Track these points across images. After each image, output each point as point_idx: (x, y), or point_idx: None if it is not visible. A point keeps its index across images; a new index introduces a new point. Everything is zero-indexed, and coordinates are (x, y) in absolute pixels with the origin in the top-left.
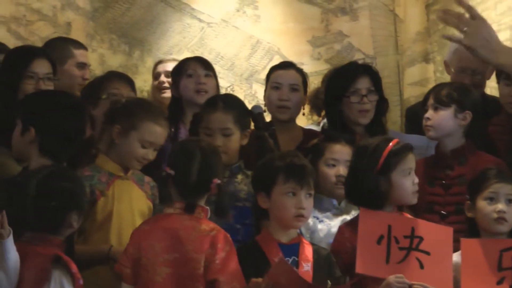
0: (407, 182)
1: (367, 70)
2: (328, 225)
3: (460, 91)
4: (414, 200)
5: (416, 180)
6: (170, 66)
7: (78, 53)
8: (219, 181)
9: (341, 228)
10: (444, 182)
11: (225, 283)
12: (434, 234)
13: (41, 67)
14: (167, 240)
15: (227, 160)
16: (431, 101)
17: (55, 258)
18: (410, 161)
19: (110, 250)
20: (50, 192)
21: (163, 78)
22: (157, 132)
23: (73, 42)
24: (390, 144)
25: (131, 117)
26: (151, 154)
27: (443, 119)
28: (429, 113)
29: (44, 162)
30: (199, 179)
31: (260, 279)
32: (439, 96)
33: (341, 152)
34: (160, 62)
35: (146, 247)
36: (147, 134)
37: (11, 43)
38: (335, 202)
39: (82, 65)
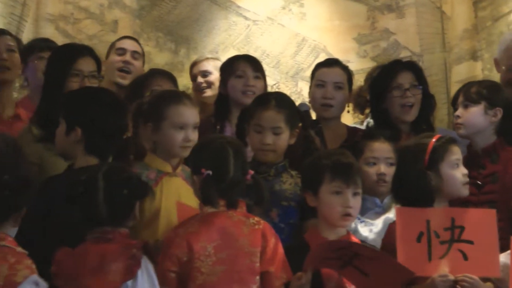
0: (457, 173)
1: (410, 66)
2: (371, 225)
3: (490, 88)
4: (465, 192)
5: (465, 171)
6: (205, 66)
7: (118, 42)
8: (253, 172)
9: (391, 226)
10: (477, 181)
11: (275, 274)
12: (476, 220)
13: (86, 65)
14: (218, 239)
15: (274, 158)
16: (461, 99)
17: (143, 245)
18: (457, 153)
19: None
20: (121, 181)
21: (200, 79)
22: (184, 111)
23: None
24: (433, 138)
25: (156, 110)
26: (191, 135)
27: (473, 116)
28: (459, 111)
29: (90, 161)
30: (235, 174)
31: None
32: (469, 93)
33: (381, 149)
34: (194, 63)
35: (198, 249)
36: (176, 117)
37: (59, 41)
38: (377, 200)
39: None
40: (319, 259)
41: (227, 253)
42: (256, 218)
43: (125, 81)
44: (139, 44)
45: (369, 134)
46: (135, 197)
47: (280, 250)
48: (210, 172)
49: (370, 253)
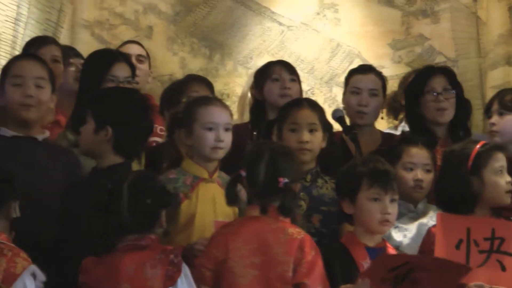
0: (500, 180)
1: (443, 70)
2: (404, 230)
3: None
4: (507, 200)
5: (509, 179)
6: None
7: (122, 49)
8: (286, 180)
9: (430, 231)
10: None
11: (309, 287)
12: None
13: (121, 70)
14: (254, 242)
15: (311, 158)
16: (495, 106)
17: (183, 250)
18: (501, 159)
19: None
20: (145, 190)
21: None
22: (214, 111)
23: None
24: (478, 144)
25: (187, 115)
26: (222, 135)
27: (509, 124)
28: (494, 119)
29: (117, 160)
30: (266, 179)
31: (349, 285)
32: (504, 101)
33: (419, 155)
34: None
35: (233, 249)
36: (205, 117)
37: (95, 46)
38: (411, 206)
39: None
40: (376, 278)
41: (260, 259)
42: (298, 229)
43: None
44: (143, 46)
45: (407, 139)
46: (159, 206)
47: (320, 263)
48: (244, 173)
49: (429, 262)
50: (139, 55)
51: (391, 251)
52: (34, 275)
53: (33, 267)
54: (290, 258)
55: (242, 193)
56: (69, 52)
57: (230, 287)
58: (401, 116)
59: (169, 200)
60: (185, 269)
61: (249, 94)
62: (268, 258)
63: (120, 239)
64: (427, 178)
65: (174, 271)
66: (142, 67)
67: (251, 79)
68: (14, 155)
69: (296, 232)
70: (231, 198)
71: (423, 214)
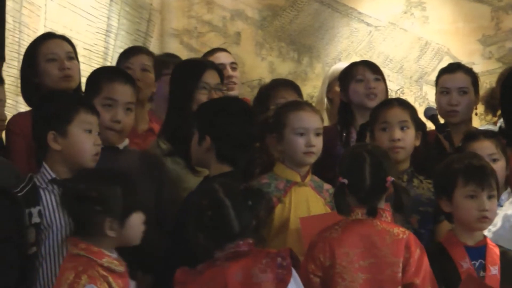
0: None
1: None
2: None
3: None
4: None
5: None
6: None
7: (212, 58)
8: (393, 179)
9: None
10: None
11: (419, 286)
12: None
13: (212, 77)
14: (361, 246)
15: (404, 156)
16: None
17: (290, 252)
18: None
19: None
20: (242, 194)
21: None
22: (304, 116)
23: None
24: None
25: (277, 120)
26: (314, 140)
27: None
28: None
29: (223, 169)
30: (373, 181)
31: None
32: None
33: (482, 148)
34: None
35: (340, 254)
36: (296, 122)
37: (184, 55)
38: None
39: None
40: None
41: (369, 262)
42: (401, 229)
43: (235, 93)
44: (230, 53)
45: (469, 136)
46: (259, 207)
47: (426, 261)
48: (346, 181)
49: None
50: (232, 63)
51: (494, 248)
52: None
53: (91, 287)
54: (399, 259)
55: None
56: (170, 59)
57: None
58: (499, 112)
59: (263, 197)
60: (293, 271)
61: (325, 99)
62: (377, 260)
63: (220, 249)
64: (496, 167)
65: (285, 273)
66: (236, 74)
67: (325, 84)
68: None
69: (401, 231)
70: (345, 208)
71: (506, 208)
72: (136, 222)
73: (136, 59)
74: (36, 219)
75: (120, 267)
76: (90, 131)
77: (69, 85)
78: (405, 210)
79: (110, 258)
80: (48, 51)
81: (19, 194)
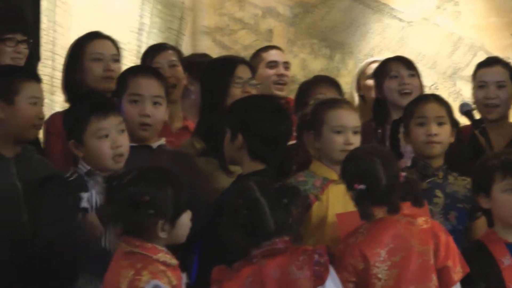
0: None
1: None
2: None
3: None
4: None
5: None
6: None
7: (266, 55)
8: (404, 173)
9: None
10: None
11: (452, 269)
12: None
13: (245, 72)
14: (390, 242)
15: (440, 151)
16: None
17: (327, 249)
18: None
19: None
20: (277, 192)
21: None
22: (342, 114)
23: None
24: None
25: (315, 117)
26: (351, 138)
27: None
28: None
29: (256, 166)
30: (388, 180)
31: None
32: None
33: None
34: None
35: (372, 256)
36: (334, 120)
37: (216, 52)
38: None
39: (273, 63)
40: None
41: (400, 256)
42: (423, 218)
43: (283, 93)
44: (283, 51)
45: None
46: (294, 204)
47: (452, 244)
48: (363, 187)
49: None
50: (286, 62)
51: None
52: None
53: (155, 282)
54: (429, 247)
55: None
56: (203, 58)
57: None
58: None
59: (298, 194)
60: (331, 268)
61: (356, 95)
62: (407, 253)
63: (256, 247)
64: None
65: (322, 270)
66: (288, 74)
67: (355, 81)
68: (129, 165)
69: (424, 221)
70: (370, 214)
71: None
72: (185, 221)
73: (162, 57)
74: (85, 204)
75: (173, 260)
76: (106, 136)
77: (109, 86)
78: (422, 202)
79: (164, 253)
80: (94, 50)
81: (69, 179)
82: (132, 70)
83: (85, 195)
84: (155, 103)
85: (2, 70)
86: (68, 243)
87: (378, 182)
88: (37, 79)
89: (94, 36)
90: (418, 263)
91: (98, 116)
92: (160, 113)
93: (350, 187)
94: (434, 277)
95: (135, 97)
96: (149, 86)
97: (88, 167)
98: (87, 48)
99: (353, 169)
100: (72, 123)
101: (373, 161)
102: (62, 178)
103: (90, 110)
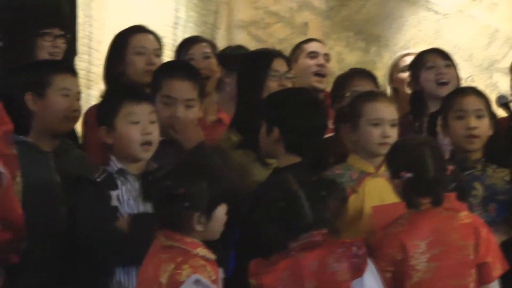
0: None
1: None
2: None
3: None
4: None
5: None
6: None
7: (306, 46)
8: (451, 167)
9: None
10: None
11: (492, 265)
12: None
13: (281, 65)
14: (430, 235)
15: (479, 145)
16: None
17: (365, 242)
18: None
19: None
20: (316, 185)
21: None
22: (380, 107)
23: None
24: None
25: (353, 109)
26: (389, 131)
27: None
28: None
29: (292, 159)
30: (436, 172)
31: None
32: None
33: None
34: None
35: (411, 247)
36: (372, 113)
37: (251, 46)
38: None
39: (314, 54)
40: None
41: (440, 249)
42: (465, 212)
43: (322, 85)
44: (324, 44)
45: None
46: (331, 197)
47: (493, 240)
48: (411, 175)
49: None
50: (326, 54)
51: None
52: (197, 282)
53: (196, 276)
54: (469, 242)
55: None
56: (238, 50)
57: (417, 284)
58: None
59: (339, 190)
60: (369, 260)
61: (388, 88)
62: (447, 247)
63: (294, 239)
64: None
65: (360, 262)
66: (328, 66)
67: (388, 73)
68: (161, 159)
69: (465, 215)
70: (416, 202)
71: None
72: (221, 214)
73: (196, 49)
74: (115, 202)
75: (212, 255)
76: (136, 122)
77: (150, 80)
78: (467, 198)
79: (202, 247)
80: (138, 44)
81: (98, 180)
82: (167, 71)
83: (114, 194)
84: (187, 106)
85: (34, 64)
86: (105, 246)
87: (427, 172)
88: (69, 71)
89: (138, 30)
90: (457, 258)
91: (131, 101)
92: (192, 115)
93: (395, 175)
94: (473, 273)
95: (167, 100)
96: (182, 90)
97: (119, 166)
98: (131, 41)
99: (402, 158)
100: (105, 107)
101: (424, 151)
102: (90, 180)
103: (124, 94)
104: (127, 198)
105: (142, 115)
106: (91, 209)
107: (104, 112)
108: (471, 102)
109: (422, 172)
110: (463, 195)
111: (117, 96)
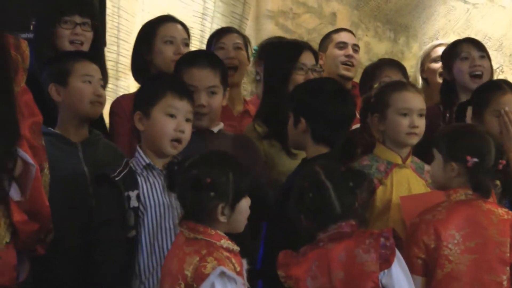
0: None
1: None
2: None
3: None
4: None
5: None
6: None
7: (336, 36)
8: (504, 162)
9: None
10: None
11: None
12: None
13: (309, 58)
14: (467, 227)
15: None
16: None
17: (393, 233)
18: None
19: None
20: (343, 175)
21: None
22: (408, 97)
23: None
24: None
25: (381, 99)
26: (416, 121)
27: None
28: None
29: (320, 150)
30: (495, 163)
31: None
32: None
33: None
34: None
35: (446, 236)
36: (400, 103)
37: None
38: None
39: (343, 44)
40: None
41: (476, 242)
42: (504, 209)
43: (351, 74)
44: (354, 35)
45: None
46: (359, 187)
47: None
48: (477, 160)
49: None
50: (355, 45)
51: None
52: (223, 275)
53: (221, 268)
54: (507, 239)
55: None
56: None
57: (448, 275)
58: None
59: (365, 179)
60: (397, 251)
61: (420, 78)
62: (484, 240)
63: (322, 230)
64: None
65: (389, 253)
66: (357, 57)
67: (419, 64)
68: (191, 149)
69: (505, 212)
70: (486, 187)
71: None
72: (245, 206)
73: (228, 38)
74: (134, 203)
75: (236, 246)
76: (173, 116)
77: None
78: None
79: (226, 239)
80: (167, 33)
81: (116, 179)
82: (187, 60)
83: (133, 194)
84: (211, 93)
85: (54, 57)
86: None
87: (488, 161)
88: (88, 58)
89: (167, 19)
90: (494, 253)
91: (175, 94)
92: (216, 101)
93: (456, 158)
94: (507, 271)
95: (190, 88)
96: (204, 77)
97: (148, 161)
98: (160, 31)
99: (469, 142)
100: (145, 94)
101: (490, 140)
102: (109, 178)
103: (169, 85)
104: (147, 195)
105: (180, 110)
106: (100, 212)
107: (143, 98)
108: (510, 101)
109: (485, 160)
110: (510, 191)
111: (161, 85)
